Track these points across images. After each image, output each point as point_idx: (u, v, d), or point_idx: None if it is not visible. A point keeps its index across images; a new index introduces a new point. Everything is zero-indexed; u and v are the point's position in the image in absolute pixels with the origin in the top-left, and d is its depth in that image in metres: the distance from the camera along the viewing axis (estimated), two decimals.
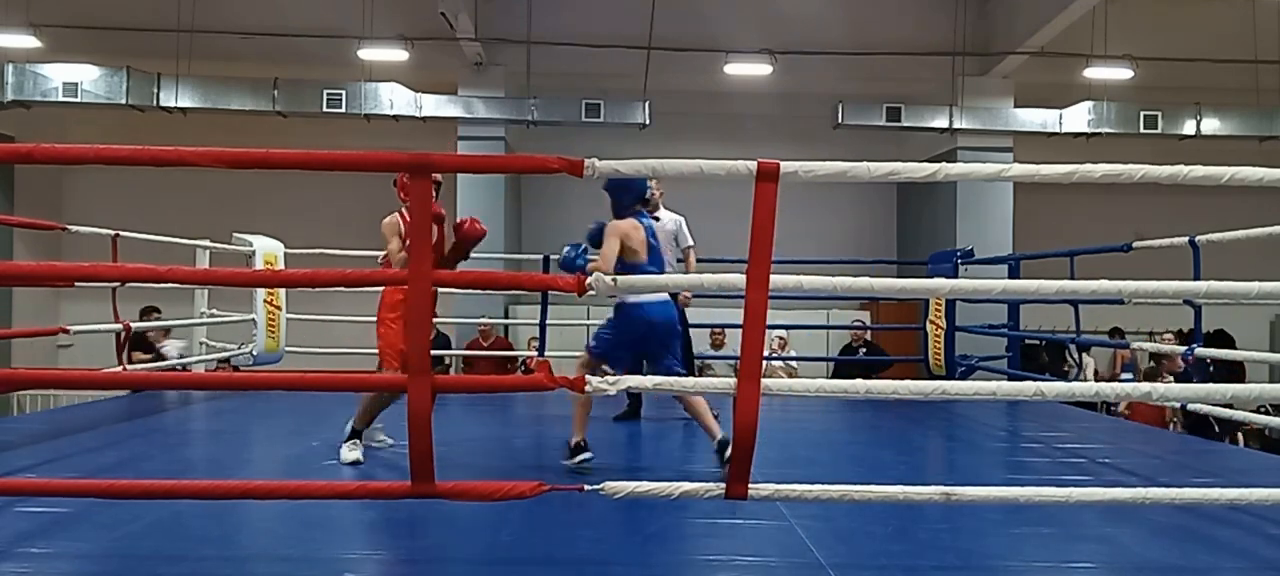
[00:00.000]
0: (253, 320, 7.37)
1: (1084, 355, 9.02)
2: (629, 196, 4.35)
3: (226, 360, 8.03)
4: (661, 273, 4.50)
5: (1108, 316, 10.71)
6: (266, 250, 7.35)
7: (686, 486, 2.66)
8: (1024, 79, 11.54)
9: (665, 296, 4.38)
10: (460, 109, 11.24)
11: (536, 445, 5.63)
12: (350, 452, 4.40)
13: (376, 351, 4.41)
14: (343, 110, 10.77)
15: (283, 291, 7.62)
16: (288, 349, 7.84)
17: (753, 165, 2.52)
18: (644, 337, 4.31)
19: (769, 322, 2.58)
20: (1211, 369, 6.78)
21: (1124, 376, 9.55)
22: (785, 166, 2.55)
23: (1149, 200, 10.61)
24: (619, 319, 4.33)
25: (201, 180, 10.98)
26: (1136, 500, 2.84)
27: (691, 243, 6.02)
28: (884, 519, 3.45)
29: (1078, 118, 11.17)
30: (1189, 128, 11.12)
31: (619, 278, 3.05)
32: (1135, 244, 6.15)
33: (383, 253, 4.34)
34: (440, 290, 3.57)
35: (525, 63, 10.91)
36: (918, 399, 2.71)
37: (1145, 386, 2.69)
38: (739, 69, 11.23)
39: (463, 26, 10.04)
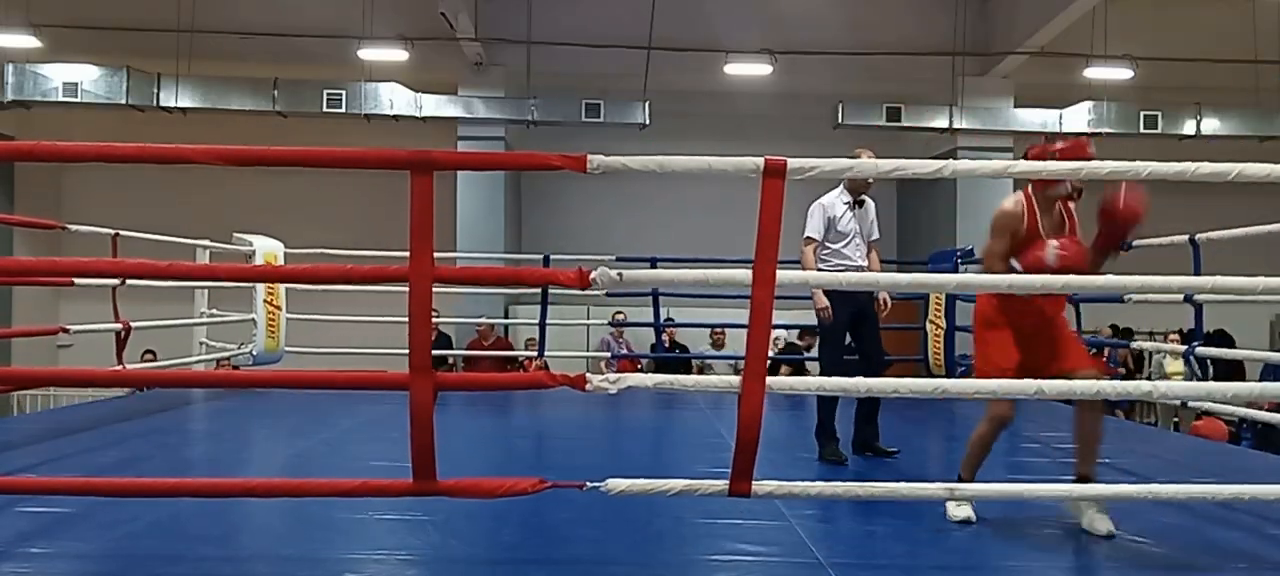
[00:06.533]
0: (253, 320, 7.37)
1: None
2: None
3: (226, 360, 8.03)
4: None
5: (1108, 316, 10.70)
6: (266, 250, 7.35)
7: (687, 483, 2.65)
8: (1024, 79, 11.54)
9: None
10: (460, 109, 11.25)
11: (537, 443, 5.63)
12: (958, 510, 3.38)
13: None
14: (343, 110, 10.78)
15: (283, 291, 7.62)
16: (287, 349, 7.84)
17: (759, 162, 2.51)
18: None
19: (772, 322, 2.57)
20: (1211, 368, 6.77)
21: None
22: (792, 164, 2.55)
23: (1149, 200, 10.60)
24: None
25: (201, 180, 10.98)
26: (1137, 498, 2.84)
27: (878, 235, 5.11)
28: (884, 518, 3.45)
29: (1078, 118, 11.17)
30: (1189, 128, 11.13)
31: (624, 272, 2.66)
32: (1135, 242, 6.14)
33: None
34: (440, 289, 3.30)
35: (525, 63, 10.91)
36: (918, 397, 2.71)
37: (1146, 385, 2.69)
38: (739, 69, 11.23)
39: (463, 26, 10.04)
